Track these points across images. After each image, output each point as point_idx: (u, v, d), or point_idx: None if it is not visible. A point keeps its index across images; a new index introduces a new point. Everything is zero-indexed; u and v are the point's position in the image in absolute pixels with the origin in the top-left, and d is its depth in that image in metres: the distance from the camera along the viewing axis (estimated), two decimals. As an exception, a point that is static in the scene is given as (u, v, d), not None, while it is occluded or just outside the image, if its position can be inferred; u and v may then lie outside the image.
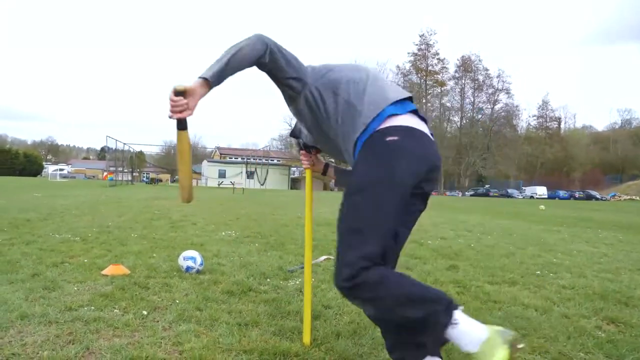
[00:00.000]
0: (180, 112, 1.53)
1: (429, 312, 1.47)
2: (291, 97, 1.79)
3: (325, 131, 1.81)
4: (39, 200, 11.24)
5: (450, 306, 1.47)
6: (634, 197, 50.33)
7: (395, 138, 1.61)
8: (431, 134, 1.74)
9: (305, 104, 1.78)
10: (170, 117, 1.55)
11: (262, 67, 1.69)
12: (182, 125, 1.59)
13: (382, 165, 1.58)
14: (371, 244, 1.50)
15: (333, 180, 2.26)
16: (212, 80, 1.56)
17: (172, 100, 1.51)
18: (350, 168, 1.93)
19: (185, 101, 1.52)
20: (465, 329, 1.44)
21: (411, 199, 1.64)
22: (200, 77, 1.55)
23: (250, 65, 1.66)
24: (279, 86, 1.78)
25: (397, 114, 1.68)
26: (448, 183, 68.13)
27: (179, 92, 1.53)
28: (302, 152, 2.22)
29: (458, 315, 1.46)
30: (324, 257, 4.42)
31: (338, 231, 1.60)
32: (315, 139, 1.98)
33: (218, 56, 1.62)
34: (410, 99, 1.77)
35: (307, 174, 2.29)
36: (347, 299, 1.63)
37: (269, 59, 1.66)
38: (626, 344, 2.29)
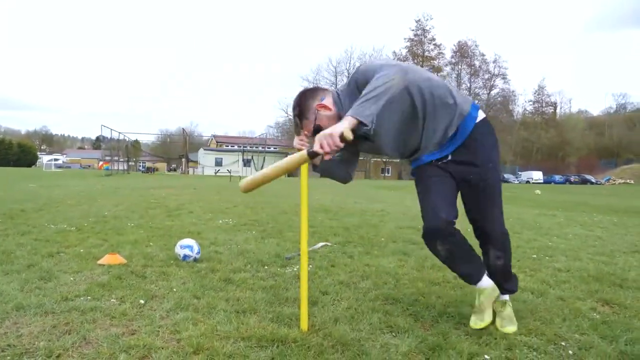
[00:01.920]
0: (332, 153, 1.86)
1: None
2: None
3: (403, 126, 2.13)
4: (34, 191, 11.19)
5: None
6: (628, 181, 50.61)
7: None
8: None
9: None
10: (317, 154, 1.86)
11: None
12: (315, 155, 1.90)
13: (499, 152, 2.26)
14: None
15: (313, 166, 2.28)
16: (368, 125, 1.86)
17: (336, 146, 1.80)
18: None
19: (342, 146, 1.82)
20: None
21: None
22: (356, 119, 1.81)
23: None
24: None
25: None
26: (444, 169, 68.10)
27: (344, 140, 1.79)
28: (302, 136, 2.22)
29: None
30: (322, 243, 4.42)
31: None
32: (383, 136, 2.17)
33: (370, 93, 1.84)
34: None
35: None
36: (503, 244, 2.30)
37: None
38: (620, 325, 2.31)
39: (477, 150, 2.14)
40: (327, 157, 1.99)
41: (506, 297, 2.33)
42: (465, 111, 2.12)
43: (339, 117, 2.05)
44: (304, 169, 2.26)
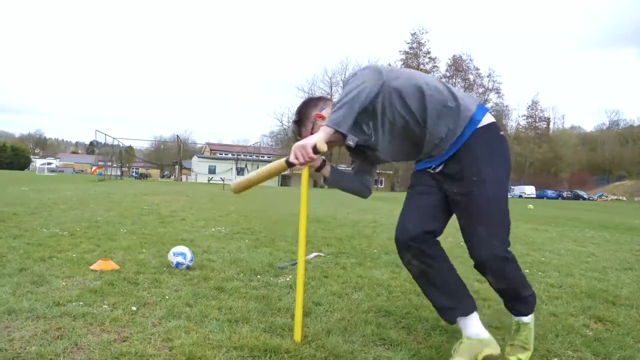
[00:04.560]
0: (306, 163, 1.85)
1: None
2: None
3: (403, 133, 1.96)
4: (27, 194, 11.10)
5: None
6: (620, 197, 51.07)
7: (503, 134, 2.02)
8: None
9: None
10: (293, 164, 1.88)
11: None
12: (292, 165, 1.91)
13: (505, 163, 2.00)
14: (507, 236, 1.95)
15: (323, 178, 2.26)
16: (346, 133, 1.85)
17: (309, 157, 1.80)
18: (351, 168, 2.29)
19: (316, 157, 1.90)
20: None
21: None
22: (332, 128, 1.77)
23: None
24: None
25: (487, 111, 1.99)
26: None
27: (317, 151, 1.79)
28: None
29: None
30: (315, 254, 4.42)
31: (486, 213, 1.90)
32: (382, 143, 2.01)
33: (343, 99, 1.78)
34: None
35: (304, 170, 2.27)
36: (494, 270, 1.93)
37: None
38: (613, 342, 2.32)
39: (463, 161, 1.91)
40: (303, 167, 2.00)
41: (523, 318, 2.06)
42: (468, 115, 1.92)
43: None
44: (305, 179, 2.27)
